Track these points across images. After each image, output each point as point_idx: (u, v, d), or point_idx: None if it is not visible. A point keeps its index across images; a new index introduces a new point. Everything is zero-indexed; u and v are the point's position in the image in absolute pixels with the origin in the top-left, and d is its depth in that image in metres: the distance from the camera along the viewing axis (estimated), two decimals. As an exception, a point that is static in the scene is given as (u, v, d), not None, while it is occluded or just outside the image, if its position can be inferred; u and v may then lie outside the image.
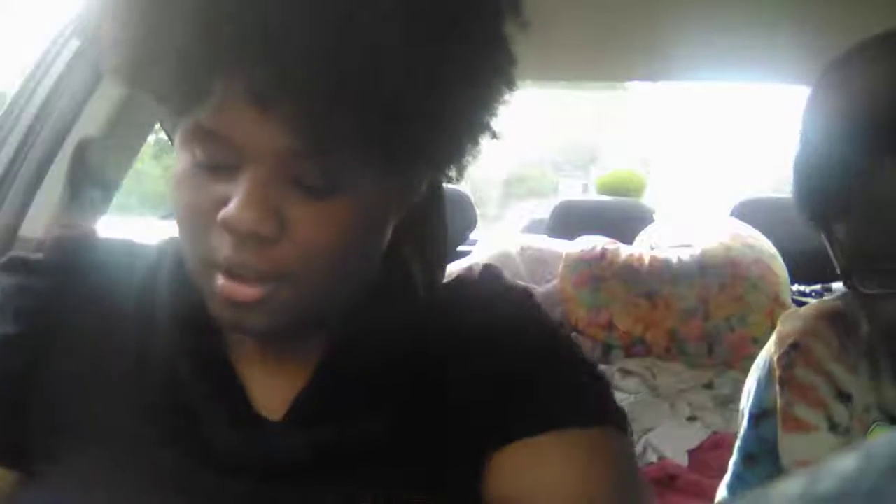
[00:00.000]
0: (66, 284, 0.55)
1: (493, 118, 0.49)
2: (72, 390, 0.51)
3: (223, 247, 0.46)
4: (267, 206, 0.45)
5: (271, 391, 0.52)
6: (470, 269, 0.66)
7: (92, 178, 1.13)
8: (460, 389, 0.53)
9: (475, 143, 0.49)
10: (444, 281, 0.64)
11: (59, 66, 1.11)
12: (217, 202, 0.46)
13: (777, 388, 0.73)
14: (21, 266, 0.56)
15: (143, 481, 0.48)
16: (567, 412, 0.52)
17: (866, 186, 0.58)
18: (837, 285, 1.73)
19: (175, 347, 0.53)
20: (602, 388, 0.57)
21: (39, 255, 0.58)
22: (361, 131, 0.43)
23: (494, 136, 0.50)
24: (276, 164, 0.45)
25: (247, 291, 0.47)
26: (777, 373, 0.73)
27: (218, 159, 0.46)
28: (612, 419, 0.54)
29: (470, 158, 0.50)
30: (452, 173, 0.51)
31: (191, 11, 0.41)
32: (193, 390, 0.51)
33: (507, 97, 0.50)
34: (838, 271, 0.64)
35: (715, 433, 1.53)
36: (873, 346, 0.70)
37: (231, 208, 0.45)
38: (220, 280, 0.47)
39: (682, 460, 1.50)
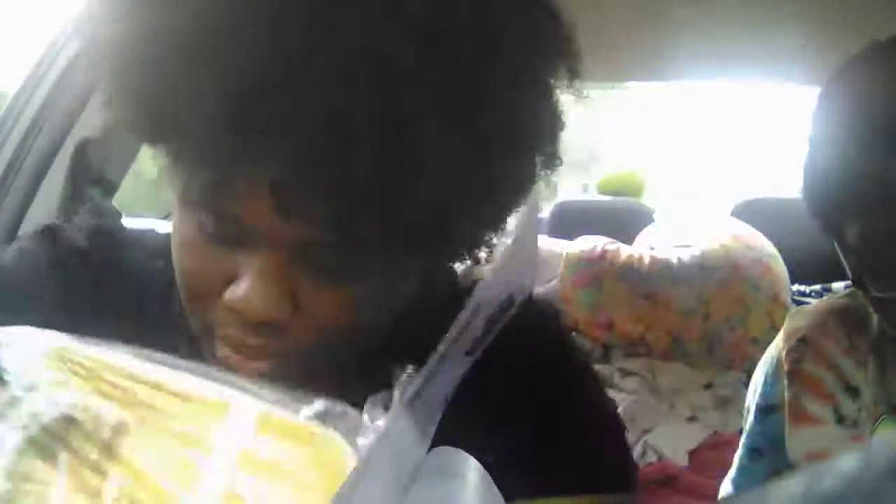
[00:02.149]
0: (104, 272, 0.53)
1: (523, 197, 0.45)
2: None
3: (229, 324, 0.43)
4: (280, 293, 0.41)
5: None
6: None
7: (92, 178, 1.13)
8: (496, 426, 0.49)
9: (501, 225, 0.45)
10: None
11: (59, 66, 1.11)
12: (225, 276, 0.43)
13: (785, 382, 0.73)
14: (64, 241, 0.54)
15: None
16: (585, 477, 0.51)
17: (878, 189, 0.58)
18: (837, 285, 1.74)
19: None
20: (622, 451, 0.56)
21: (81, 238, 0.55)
22: (386, 230, 0.40)
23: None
24: (292, 251, 0.41)
25: (251, 366, 0.44)
26: (785, 367, 0.74)
27: (230, 235, 0.42)
28: (630, 483, 0.54)
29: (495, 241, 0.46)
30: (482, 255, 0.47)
31: (224, 99, 0.37)
32: None
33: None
34: (849, 273, 0.64)
35: (715, 433, 1.53)
36: (882, 342, 0.70)
37: (241, 292, 0.41)
38: (222, 350, 0.44)
39: (682, 460, 1.50)
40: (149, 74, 0.39)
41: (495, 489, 0.38)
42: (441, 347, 0.31)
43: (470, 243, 0.45)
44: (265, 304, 0.41)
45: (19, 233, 1.07)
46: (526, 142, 0.43)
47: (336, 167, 0.37)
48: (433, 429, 0.37)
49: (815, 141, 0.65)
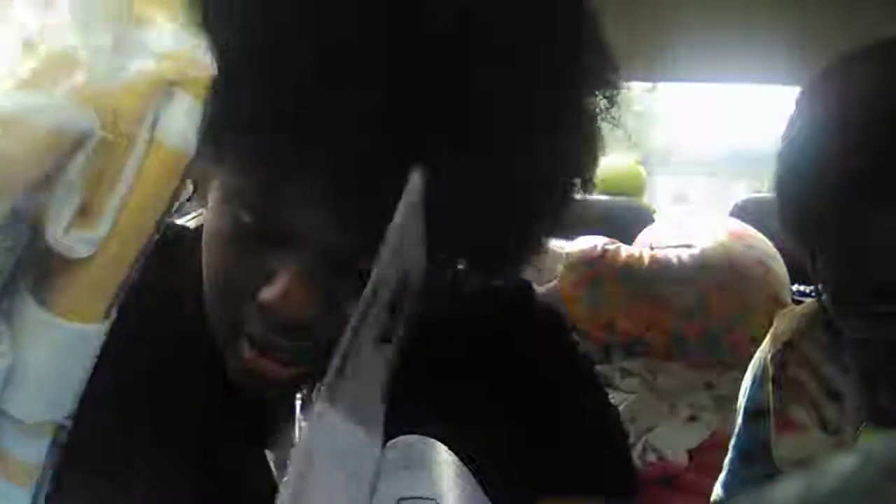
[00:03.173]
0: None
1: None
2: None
3: (259, 322, 0.43)
4: (315, 294, 0.41)
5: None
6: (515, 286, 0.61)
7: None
8: (494, 419, 0.50)
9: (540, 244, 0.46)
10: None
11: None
12: (258, 274, 0.42)
13: (770, 386, 0.73)
14: None
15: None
16: (587, 481, 0.51)
17: (843, 220, 0.54)
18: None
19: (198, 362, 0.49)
20: (622, 453, 0.55)
21: None
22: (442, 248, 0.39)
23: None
24: (330, 252, 0.41)
25: (277, 370, 0.44)
26: (770, 372, 0.73)
27: (272, 236, 0.42)
28: (631, 488, 0.54)
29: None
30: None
31: (291, 100, 0.37)
32: (217, 411, 0.49)
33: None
34: (824, 309, 0.61)
35: (715, 433, 1.53)
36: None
37: (276, 291, 0.41)
38: (248, 352, 0.44)
39: (682, 460, 1.50)
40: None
41: (469, 476, 0.38)
42: (345, 337, 0.30)
43: (510, 256, 0.45)
44: (301, 306, 0.41)
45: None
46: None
47: (392, 181, 0.35)
48: (378, 425, 0.36)
49: (781, 160, 0.62)
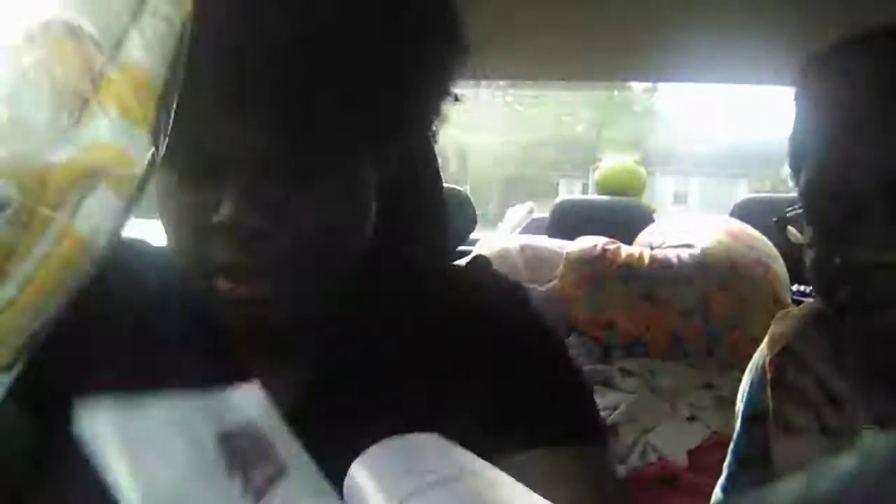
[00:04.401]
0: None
1: (447, 84, 0.52)
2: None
3: (220, 250, 0.47)
4: (260, 202, 0.46)
5: (278, 385, 0.53)
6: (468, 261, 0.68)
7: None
8: (455, 381, 0.53)
9: (432, 110, 0.53)
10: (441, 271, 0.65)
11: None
12: (207, 208, 0.47)
13: (769, 391, 0.73)
14: None
15: None
16: (552, 430, 0.52)
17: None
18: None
19: (184, 349, 0.53)
20: (587, 402, 0.57)
21: None
22: (331, 121, 0.46)
23: (456, 99, 0.53)
24: (261, 163, 0.46)
25: (250, 290, 0.48)
26: (769, 376, 0.73)
27: (203, 167, 0.47)
28: (597, 436, 0.55)
29: (433, 127, 0.54)
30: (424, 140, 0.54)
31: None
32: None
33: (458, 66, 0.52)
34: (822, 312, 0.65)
35: (715, 433, 1.53)
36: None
37: (226, 209, 0.46)
38: (222, 283, 0.48)
39: (682, 460, 1.50)
40: None
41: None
42: None
43: (398, 132, 0.51)
44: (247, 215, 0.45)
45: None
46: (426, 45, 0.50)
47: (275, 71, 0.43)
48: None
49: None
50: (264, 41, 0.44)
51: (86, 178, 0.34)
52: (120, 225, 0.36)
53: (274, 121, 0.45)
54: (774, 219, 0.66)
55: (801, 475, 0.16)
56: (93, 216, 0.34)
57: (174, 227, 0.50)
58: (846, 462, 0.16)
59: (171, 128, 0.45)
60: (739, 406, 0.80)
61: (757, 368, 0.77)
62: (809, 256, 0.62)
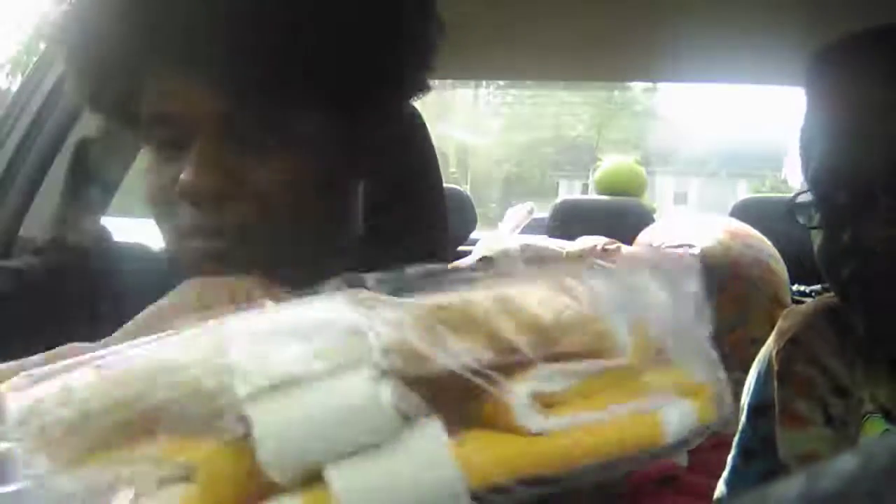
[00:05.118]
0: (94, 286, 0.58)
1: (417, 52, 0.53)
2: None
3: (186, 214, 0.49)
4: (216, 167, 0.47)
5: None
6: None
7: (92, 178, 1.13)
8: None
9: (405, 76, 0.53)
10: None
11: (59, 66, 1.11)
12: (174, 180, 0.48)
13: (775, 383, 0.73)
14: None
15: None
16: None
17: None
18: (837, 285, 1.73)
19: None
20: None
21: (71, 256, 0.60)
22: (282, 79, 0.46)
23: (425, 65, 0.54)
24: (219, 129, 0.47)
25: (207, 246, 0.49)
26: (776, 368, 0.73)
27: (168, 139, 0.49)
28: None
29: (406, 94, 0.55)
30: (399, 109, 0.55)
31: (109, 25, 0.47)
32: None
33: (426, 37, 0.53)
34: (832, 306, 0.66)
35: (715, 434, 1.53)
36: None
37: (186, 174, 0.47)
38: (187, 244, 0.50)
39: (682, 460, 1.50)
40: (86, 36, 0.49)
41: None
42: None
43: (365, 100, 0.52)
44: (202, 179, 0.47)
45: (20, 232, 1.07)
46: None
47: (216, 33, 0.45)
48: None
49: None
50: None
51: None
52: None
53: (229, 84, 0.46)
54: (786, 205, 0.68)
55: (802, 474, 0.16)
56: None
57: (150, 205, 0.51)
58: (846, 462, 0.16)
59: (140, 106, 0.48)
60: (745, 400, 0.80)
61: (764, 361, 0.77)
62: (818, 239, 0.64)
